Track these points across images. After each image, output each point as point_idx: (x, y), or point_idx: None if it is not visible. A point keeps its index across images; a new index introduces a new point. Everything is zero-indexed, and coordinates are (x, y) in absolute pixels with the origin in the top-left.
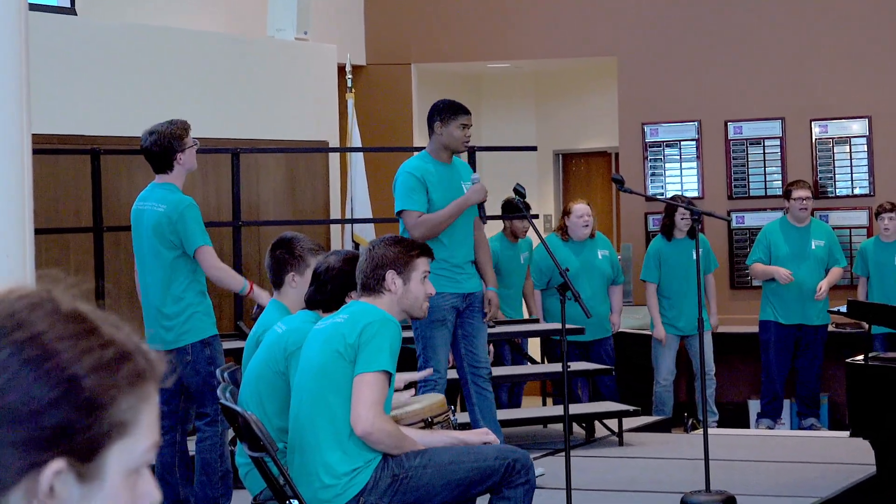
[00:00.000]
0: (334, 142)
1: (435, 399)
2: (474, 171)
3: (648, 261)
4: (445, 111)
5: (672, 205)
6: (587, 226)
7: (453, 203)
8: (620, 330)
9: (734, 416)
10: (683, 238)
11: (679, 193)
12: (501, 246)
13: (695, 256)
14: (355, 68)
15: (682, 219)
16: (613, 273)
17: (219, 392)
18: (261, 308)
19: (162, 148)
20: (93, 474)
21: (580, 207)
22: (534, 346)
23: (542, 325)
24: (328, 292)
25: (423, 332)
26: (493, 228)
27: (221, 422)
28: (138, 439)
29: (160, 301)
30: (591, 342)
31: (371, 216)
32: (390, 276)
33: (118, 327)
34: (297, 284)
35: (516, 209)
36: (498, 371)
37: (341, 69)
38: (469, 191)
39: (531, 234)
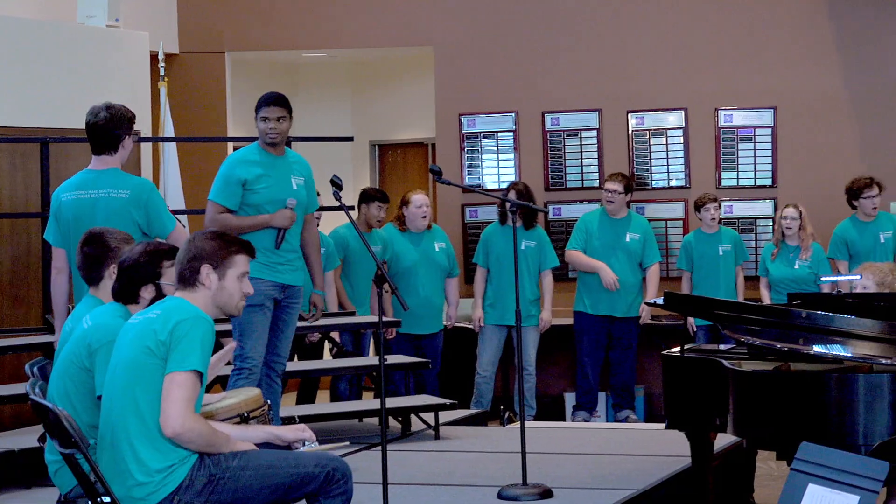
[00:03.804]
0: (146, 131)
1: (251, 394)
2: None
3: (480, 243)
4: (257, 104)
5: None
6: (426, 217)
7: (256, 218)
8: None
9: (551, 409)
10: (519, 227)
11: (520, 181)
12: (353, 235)
13: (523, 247)
14: (168, 56)
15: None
16: (450, 265)
17: (27, 387)
18: None
19: (116, 126)
20: None
21: (419, 198)
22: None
23: (358, 318)
24: (125, 285)
25: (241, 316)
26: (344, 217)
27: None
28: None
29: None
30: (424, 335)
31: (184, 207)
32: (205, 270)
33: None
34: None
35: (370, 197)
36: (314, 364)
37: (153, 57)
38: (275, 214)
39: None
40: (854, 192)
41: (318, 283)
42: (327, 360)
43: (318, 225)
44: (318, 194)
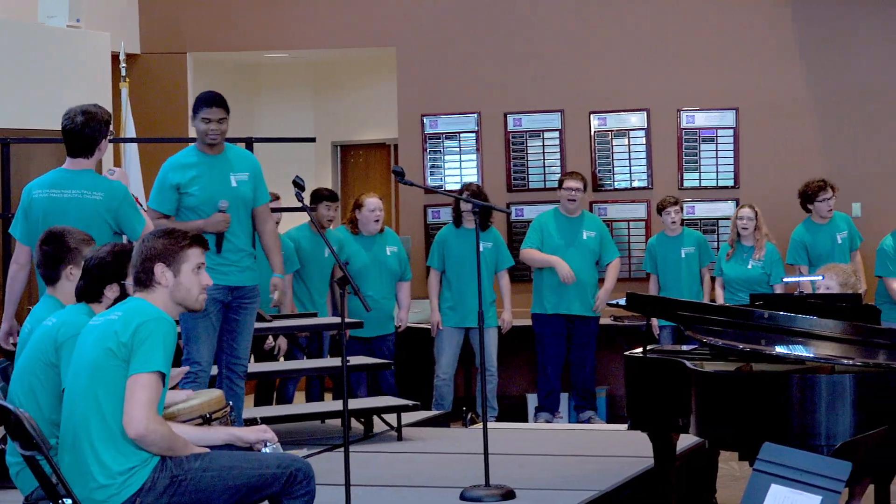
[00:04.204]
0: None
1: (213, 395)
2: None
3: (434, 247)
4: (195, 104)
5: (456, 198)
6: (378, 220)
7: (188, 224)
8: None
9: (513, 410)
10: (472, 229)
11: (472, 182)
12: (305, 237)
13: (481, 248)
14: (129, 57)
15: (464, 210)
16: (401, 269)
17: None
18: None
19: (93, 131)
20: None
21: (372, 201)
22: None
23: (319, 320)
24: (90, 283)
25: (185, 322)
26: (300, 219)
27: None
28: None
29: None
30: (374, 338)
31: (145, 208)
32: (159, 268)
33: None
34: (75, 277)
35: (322, 197)
36: (277, 366)
37: (115, 57)
38: (208, 220)
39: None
40: (808, 195)
41: (276, 267)
42: (288, 362)
43: (277, 221)
44: (299, 193)
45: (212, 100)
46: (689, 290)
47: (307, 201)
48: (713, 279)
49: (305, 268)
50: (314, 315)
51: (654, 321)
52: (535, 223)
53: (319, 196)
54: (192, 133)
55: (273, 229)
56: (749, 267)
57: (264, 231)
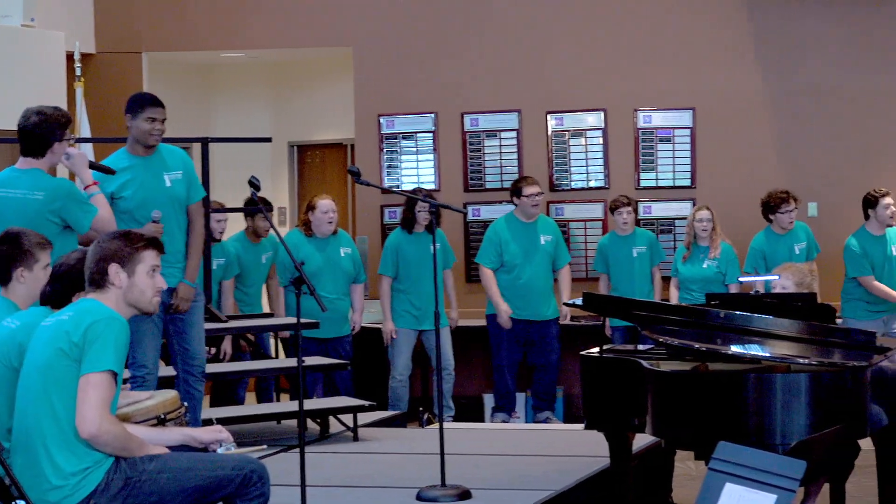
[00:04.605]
0: None
1: (168, 396)
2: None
3: (386, 254)
4: (134, 104)
5: (412, 198)
6: (331, 222)
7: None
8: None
9: (469, 410)
10: (423, 232)
11: (419, 186)
12: (243, 246)
13: (432, 250)
14: (84, 56)
15: (419, 212)
16: (355, 271)
17: None
18: None
19: (45, 131)
20: None
21: (325, 203)
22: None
23: (276, 320)
24: (58, 290)
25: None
26: (235, 227)
27: None
28: None
29: None
30: (329, 339)
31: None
32: (113, 269)
33: None
34: (26, 280)
35: (254, 204)
36: (234, 367)
37: (69, 57)
38: (142, 230)
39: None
40: (771, 206)
41: (187, 272)
42: (244, 363)
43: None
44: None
45: (155, 100)
46: (640, 289)
47: (275, 203)
48: (665, 279)
49: (242, 276)
50: (270, 315)
51: (607, 321)
52: (489, 235)
53: (254, 203)
54: None
55: (200, 231)
56: (704, 266)
57: (192, 231)
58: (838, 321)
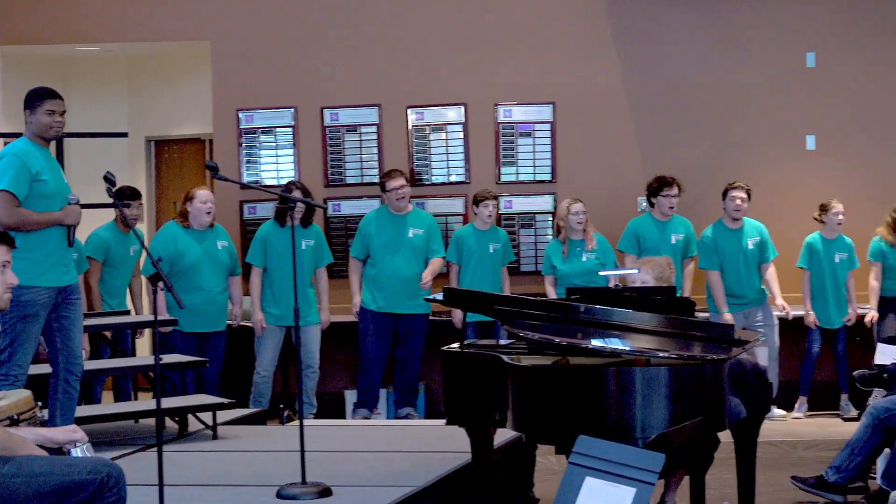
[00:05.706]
0: None
1: (21, 396)
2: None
3: (255, 244)
4: (32, 98)
5: (272, 193)
6: (210, 213)
7: (51, 214)
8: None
9: (331, 407)
10: (297, 225)
11: (293, 180)
12: (113, 235)
13: (303, 246)
14: None
15: (291, 205)
16: (232, 263)
17: None
18: None
19: None
20: None
21: (203, 194)
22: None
23: (133, 317)
24: None
25: (14, 325)
26: (106, 217)
27: None
28: None
29: None
30: (208, 333)
31: None
32: None
33: None
34: None
35: (125, 196)
36: (90, 365)
37: None
38: (65, 210)
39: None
40: (654, 189)
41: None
42: (103, 360)
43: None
44: (110, 189)
45: (53, 92)
46: (493, 286)
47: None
48: (517, 275)
49: (111, 268)
50: (127, 313)
51: (459, 316)
52: (360, 226)
53: (122, 194)
54: (2, 128)
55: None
56: (584, 260)
57: None
58: (700, 315)
